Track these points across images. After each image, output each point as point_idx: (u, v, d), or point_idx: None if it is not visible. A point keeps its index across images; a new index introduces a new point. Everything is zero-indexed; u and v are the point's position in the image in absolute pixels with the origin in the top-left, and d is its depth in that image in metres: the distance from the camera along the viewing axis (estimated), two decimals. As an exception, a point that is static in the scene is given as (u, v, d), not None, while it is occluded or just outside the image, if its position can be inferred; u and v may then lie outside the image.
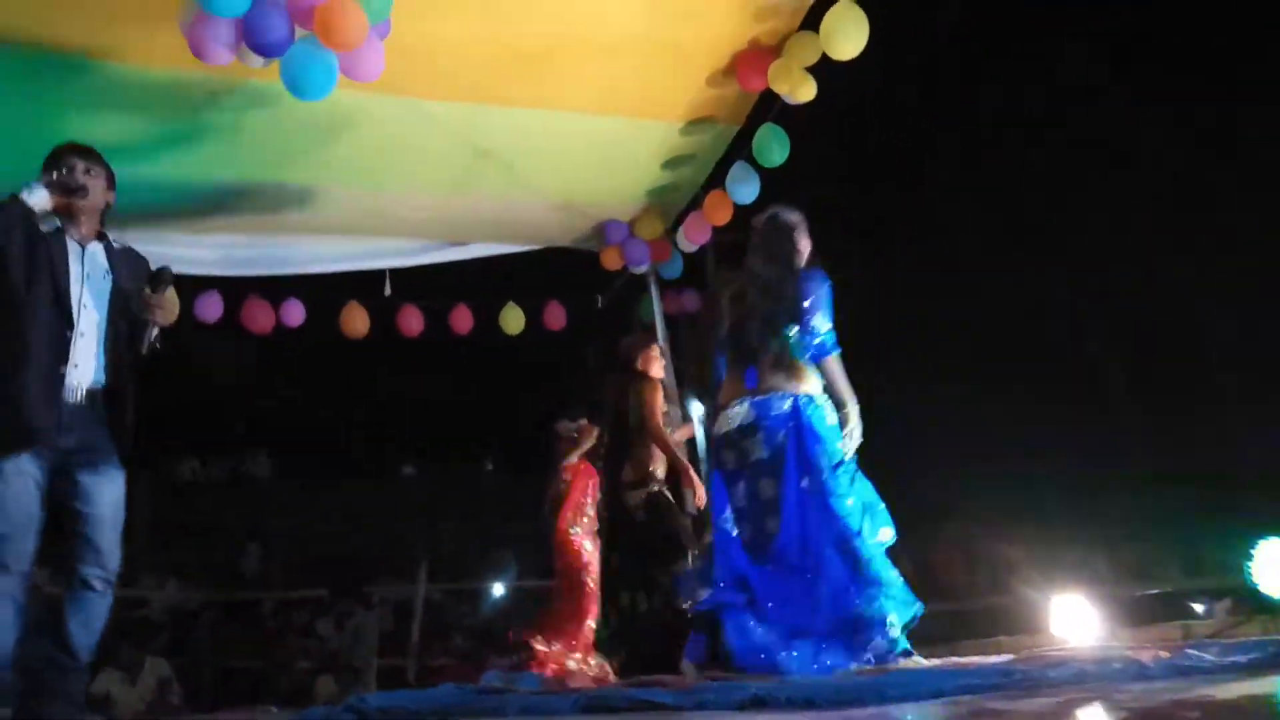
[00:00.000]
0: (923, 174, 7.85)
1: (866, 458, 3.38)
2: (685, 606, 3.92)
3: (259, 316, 5.65)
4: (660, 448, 4.66)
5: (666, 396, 4.93)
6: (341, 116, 4.24)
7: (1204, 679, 2.21)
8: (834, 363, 3.36)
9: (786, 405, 3.34)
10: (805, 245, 3.58)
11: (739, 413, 3.43)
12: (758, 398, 3.40)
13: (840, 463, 3.31)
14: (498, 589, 9.74)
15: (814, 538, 3.25)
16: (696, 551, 4.49)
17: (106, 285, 3.17)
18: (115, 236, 3.36)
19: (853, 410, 3.36)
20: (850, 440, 3.35)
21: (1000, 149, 7.30)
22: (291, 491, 13.74)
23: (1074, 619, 4.65)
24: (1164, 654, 2.63)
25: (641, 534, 4.70)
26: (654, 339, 5.17)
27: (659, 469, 4.75)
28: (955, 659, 3.45)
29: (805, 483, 3.29)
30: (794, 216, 3.62)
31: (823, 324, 3.33)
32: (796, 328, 3.34)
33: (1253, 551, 3.79)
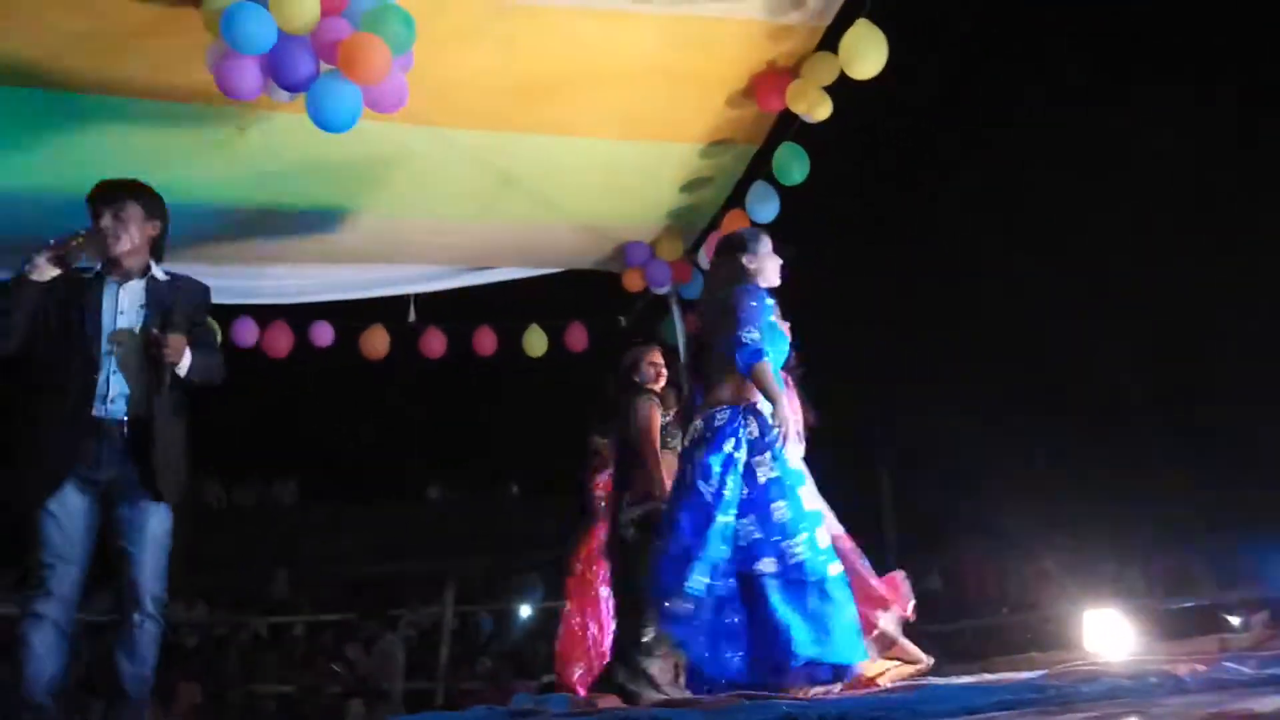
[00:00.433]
0: (945, 182, 7.85)
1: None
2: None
3: (279, 340, 5.73)
4: (649, 463, 4.38)
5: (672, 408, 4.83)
6: (367, 147, 4.31)
7: (1242, 692, 2.19)
8: (761, 369, 3.38)
9: (724, 417, 3.42)
10: (753, 263, 3.64)
11: (692, 428, 3.54)
12: (706, 411, 3.49)
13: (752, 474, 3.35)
14: (524, 611, 9.75)
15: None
16: None
17: (139, 322, 3.22)
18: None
19: (780, 411, 3.40)
20: (786, 438, 3.38)
21: (1024, 156, 7.28)
22: (319, 516, 13.84)
23: (1108, 633, 4.60)
24: (1200, 667, 2.61)
25: (630, 553, 4.43)
26: (654, 348, 5.06)
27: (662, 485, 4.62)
28: (987, 675, 3.43)
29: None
30: (737, 237, 3.74)
31: (751, 334, 3.38)
32: (730, 341, 3.41)
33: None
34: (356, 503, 13.90)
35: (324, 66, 3.35)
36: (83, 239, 3.18)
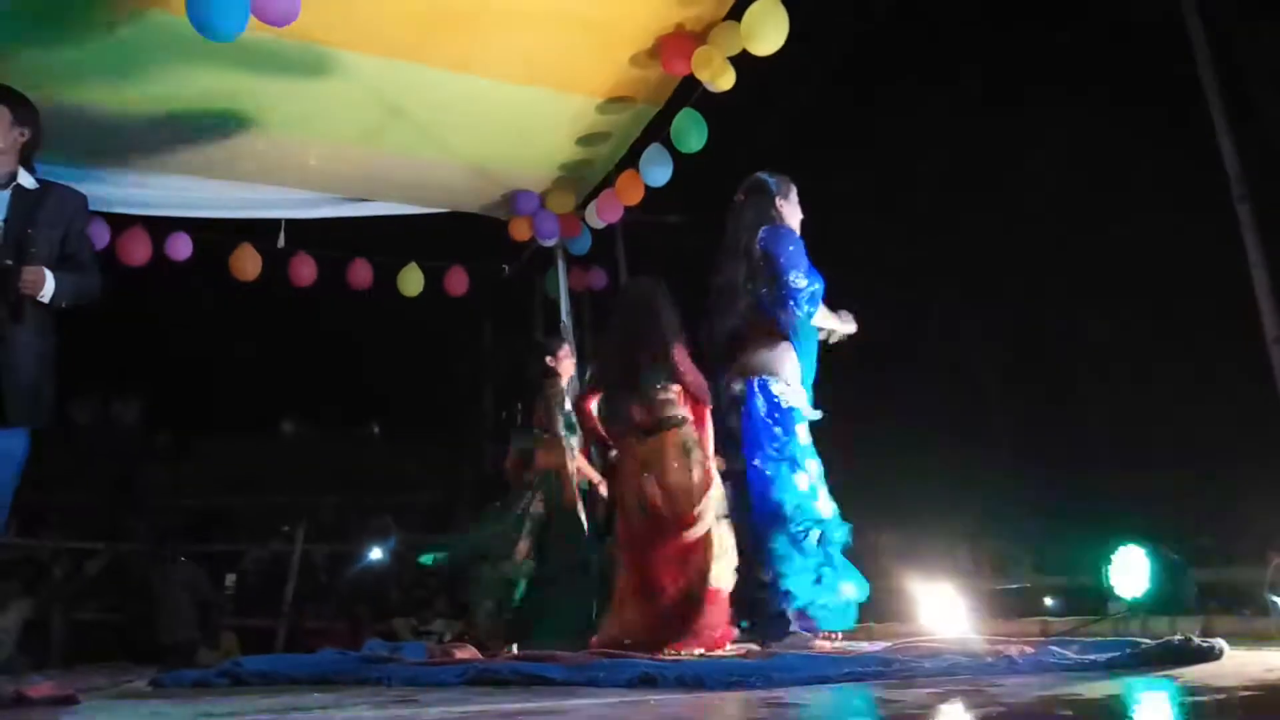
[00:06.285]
0: (817, 173, 7.95)
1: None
2: None
3: (136, 248, 5.35)
4: None
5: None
6: (251, 59, 4.05)
7: (1070, 676, 2.35)
8: (820, 314, 3.56)
9: (740, 387, 3.57)
10: (783, 207, 3.68)
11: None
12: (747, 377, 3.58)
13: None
14: (376, 554, 9.55)
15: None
16: None
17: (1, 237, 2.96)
18: None
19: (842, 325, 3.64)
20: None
21: (895, 155, 7.45)
22: (161, 441, 13.15)
23: (941, 609, 4.85)
24: (1029, 649, 2.80)
25: None
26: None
27: None
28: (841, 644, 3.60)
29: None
30: (764, 181, 3.74)
31: (798, 279, 3.47)
32: (777, 291, 3.49)
33: (1111, 556, 4.02)
34: (204, 430, 13.27)
35: (213, -32, 3.12)
36: None
